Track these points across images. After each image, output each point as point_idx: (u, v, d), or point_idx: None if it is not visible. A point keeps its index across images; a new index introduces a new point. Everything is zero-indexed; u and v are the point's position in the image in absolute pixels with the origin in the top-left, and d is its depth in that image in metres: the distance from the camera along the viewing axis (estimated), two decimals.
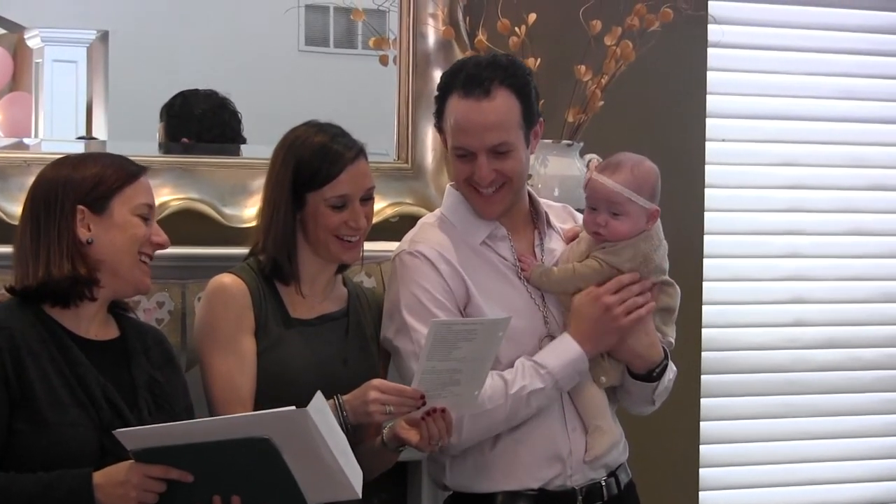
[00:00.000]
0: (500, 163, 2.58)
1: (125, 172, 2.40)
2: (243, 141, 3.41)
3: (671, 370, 2.70)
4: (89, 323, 2.39)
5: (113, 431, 2.16)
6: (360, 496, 2.21)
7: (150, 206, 2.45)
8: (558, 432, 2.61)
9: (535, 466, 2.61)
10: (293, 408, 2.08)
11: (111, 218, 2.37)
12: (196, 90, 3.38)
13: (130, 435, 2.13)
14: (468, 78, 2.57)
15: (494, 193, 2.61)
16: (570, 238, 2.72)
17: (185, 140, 3.40)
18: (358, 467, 2.23)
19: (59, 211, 2.34)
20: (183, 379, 2.54)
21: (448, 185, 2.75)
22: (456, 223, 2.68)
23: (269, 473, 2.11)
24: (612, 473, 2.68)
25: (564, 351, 2.57)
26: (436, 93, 2.67)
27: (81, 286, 2.35)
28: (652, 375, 2.64)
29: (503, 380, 2.56)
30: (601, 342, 2.59)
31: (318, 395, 2.16)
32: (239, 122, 3.39)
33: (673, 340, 2.70)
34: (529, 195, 2.75)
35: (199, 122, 3.41)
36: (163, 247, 2.46)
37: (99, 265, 2.36)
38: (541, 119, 2.68)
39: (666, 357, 2.66)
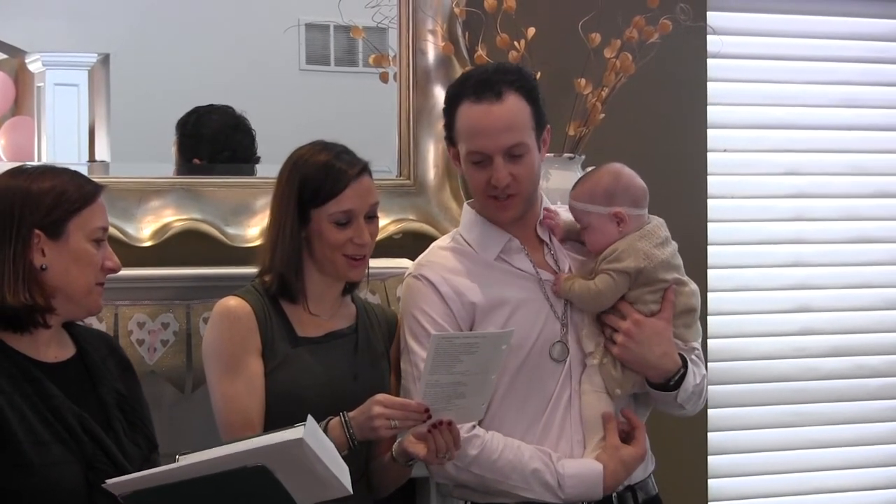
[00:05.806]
0: (516, 166, 2.59)
1: (82, 193, 2.31)
2: (258, 160, 3.40)
3: (697, 374, 2.66)
4: (47, 346, 2.32)
5: (103, 485, 2.08)
6: (352, 492, 2.20)
7: (105, 229, 2.35)
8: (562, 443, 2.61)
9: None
10: (287, 438, 2.07)
11: (67, 244, 2.28)
12: (211, 107, 3.36)
13: (121, 484, 2.07)
14: (478, 83, 2.61)
15: (508, 199, 2.62)
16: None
17: (196, 161, 3.39)
18: (345, 465, 2.22)
19: (16, 234, 2.24)
20: (140, 384, 2.49)
21: (465, 204, 2.76)
22: (471, 241, 2.69)
23: (264, 493, 2.09)
24: (630, 488, 2.66)
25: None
26: (443, 106, 2.69)
27: (37, 314, 2.27)
28: (669, 385, 2.61)
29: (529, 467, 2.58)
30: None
31: (310, 419, 2.16)
32: (253, 140, 3.37)
33: (696, 344, 2.67)
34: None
35: (211, 144, 3.40)
36: (115, 271, 2.37)
37: (54, 292, 2.28)
38: (548, 126, 2.69)
39: (684, 365, 2.62)
